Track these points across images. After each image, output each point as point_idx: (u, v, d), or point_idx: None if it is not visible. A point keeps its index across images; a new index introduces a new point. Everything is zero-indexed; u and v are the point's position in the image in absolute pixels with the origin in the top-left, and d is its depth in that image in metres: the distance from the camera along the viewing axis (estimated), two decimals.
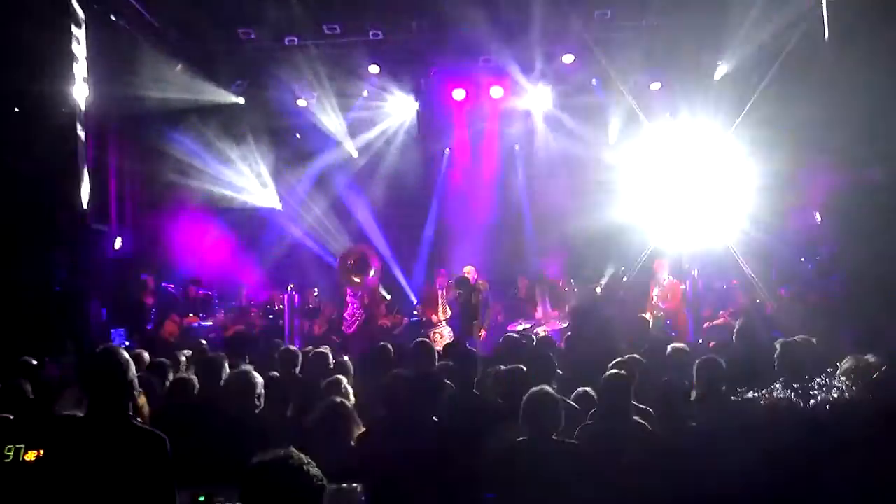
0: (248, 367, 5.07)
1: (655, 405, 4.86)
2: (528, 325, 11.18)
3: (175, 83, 11.45)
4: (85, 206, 9.22)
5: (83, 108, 8.94)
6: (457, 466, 4.31)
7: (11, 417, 4.52)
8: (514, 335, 7.57)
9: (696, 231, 12.89)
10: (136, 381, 3.65)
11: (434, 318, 11.36)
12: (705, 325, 10.75)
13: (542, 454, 4.09)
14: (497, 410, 4.91)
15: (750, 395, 3.45)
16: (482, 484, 4.30)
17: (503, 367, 5.28)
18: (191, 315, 10.77)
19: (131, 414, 3.64)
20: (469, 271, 10.47)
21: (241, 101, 12.61)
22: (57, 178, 8.54)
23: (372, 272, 10.61)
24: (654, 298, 10.62)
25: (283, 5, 10.47)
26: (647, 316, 10.32)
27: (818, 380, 3.66)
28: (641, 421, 4.55)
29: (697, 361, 5.01)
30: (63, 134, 8.57)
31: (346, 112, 12.98)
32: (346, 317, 10.53)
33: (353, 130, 13.35)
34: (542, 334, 10.69)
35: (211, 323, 10.81)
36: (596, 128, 13.14)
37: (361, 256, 10.94)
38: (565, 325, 10.98)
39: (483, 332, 10.67)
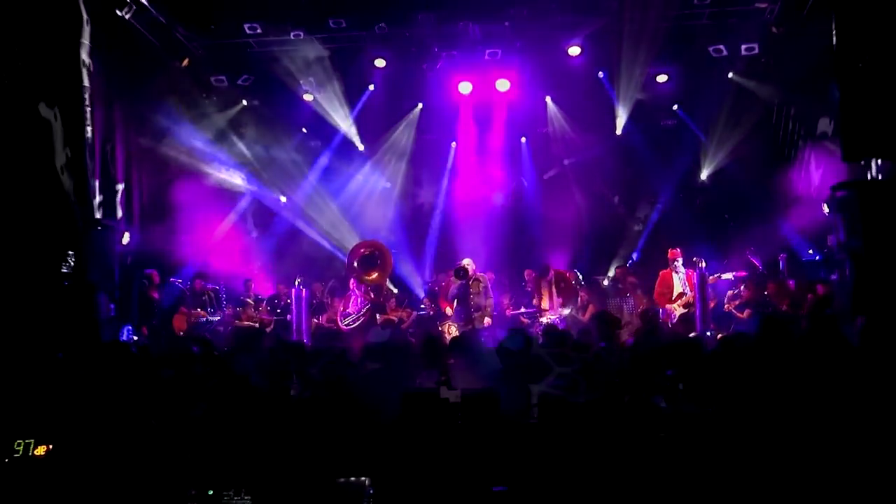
0: None
1: None
2: (529, 311, 11.24)
3: (182, 79, 11.50)
4: (93, 201, 9.29)
5: (89, 102, 8.97)
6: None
7: None
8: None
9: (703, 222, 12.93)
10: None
11: (448, 310, 11.36)
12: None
13: None
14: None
15: None
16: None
17: None
18: (199, 309, 10.83)
19: None
20: (468, 263, 10.38)
21: (244, 102, 12.70)
22: (65, 173, 8.57)
23: (375, 275, 10.50)
24: (682, 288, 10.36)
25: (289, 0, 10.50)
26: (676, 307, 10.31)
27: None
28: None
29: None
30: (70, 128, 8.61)
31: (353, 106, 13.00)
32: (351, 311, 10.44)
33: (359, 124, 13.37)
34: (545, 322, 10.77)
35: (219, 318, 10.87)
36: (602, 119, 13.15)
37: (372, 254, 10.87)
38: (568, 311, 11.00)
39: (488, 320, 10.66)
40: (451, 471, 4.34)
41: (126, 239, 10.25)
